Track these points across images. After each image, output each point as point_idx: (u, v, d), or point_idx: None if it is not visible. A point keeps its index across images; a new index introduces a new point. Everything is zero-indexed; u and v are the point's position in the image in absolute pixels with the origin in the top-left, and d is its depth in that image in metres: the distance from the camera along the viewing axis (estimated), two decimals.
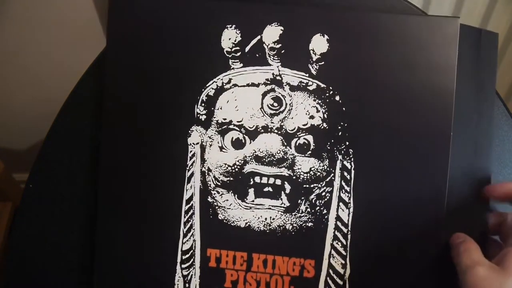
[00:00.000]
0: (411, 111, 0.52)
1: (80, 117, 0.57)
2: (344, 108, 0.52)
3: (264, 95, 0.53)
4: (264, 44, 0.53)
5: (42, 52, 1.00)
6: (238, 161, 0.53)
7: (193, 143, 0.54)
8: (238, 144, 0.53)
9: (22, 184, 0.61)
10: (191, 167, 0.54)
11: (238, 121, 0.53)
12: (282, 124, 0.53)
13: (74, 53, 0.92)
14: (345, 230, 0.52)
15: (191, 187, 0.54)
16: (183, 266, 0.54)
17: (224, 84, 0.53)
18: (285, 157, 0.53)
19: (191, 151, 0.54)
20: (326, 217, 0.53)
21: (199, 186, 0.54)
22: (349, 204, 0.52)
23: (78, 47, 0.94)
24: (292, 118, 0.53)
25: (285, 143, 0.53)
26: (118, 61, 0.55)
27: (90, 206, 0.56)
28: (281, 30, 0.52)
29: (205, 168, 0.54)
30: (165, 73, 0.54)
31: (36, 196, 0.58)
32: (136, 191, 0.54)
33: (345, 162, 0.52)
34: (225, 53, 0.53)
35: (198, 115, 0.54)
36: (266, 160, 0.53)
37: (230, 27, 0.53)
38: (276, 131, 0.53)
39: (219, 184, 0.54)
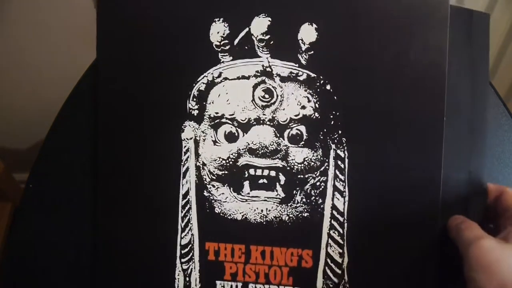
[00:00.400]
0: (404, 96, 0.52)
1: (80, 117, 0.57)
2: (335, 97, 0.52)
3: (255, 87, 0.53)
4: (252, 36, 0.53)
5: (42, 52, 1.01)
6: (232, 154, 0.53)
7: (187, 138, 0.54)
8: (231, 138, 0.53)
9: (22, 184, 0.61)
10: (185, 162, 0.54)
11: (230, 115, 0.53)
12: (274, 115, 0.53)
13: (74, 53, 0.92)
14: (341, 219, 0.52)
15: (186, 182, 0.54)
16: (183, 260, 0.54)
17: (215, 78, 0.53)
18: (279, 148, 0.53)
19: (185, 146, 0.54)
20: (321, 206, 0.53)
21: (195, 181, 0.54)
22: (344, 193, 0.52)
23: (78, 48, 0.91)
24: (284, 109, 0.53)
25: (278, 135, 0.53)
26: (109, 59, 0.55)
27: (90, 206, 0.56)
28: (269, 21, 0.52)
29: (199, 162, 0.54)
30: (155, 70, 0.54)
31: (36, 196, 0.58)
32: (133, 188, 0.55)
33: (338, 151, 0.52)
34: (214, 46, 0.53)
35: (191, 110, 0.54)
36: (260, 152, 0.53)
37: (218, 20, 0.53)
38: (268, 122, 0.53)
39: (214, 178, 0.54)
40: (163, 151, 0.54)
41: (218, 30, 0.53)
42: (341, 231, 0.53)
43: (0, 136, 1.17)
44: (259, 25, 0.52)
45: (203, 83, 0.53)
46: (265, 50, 0.52)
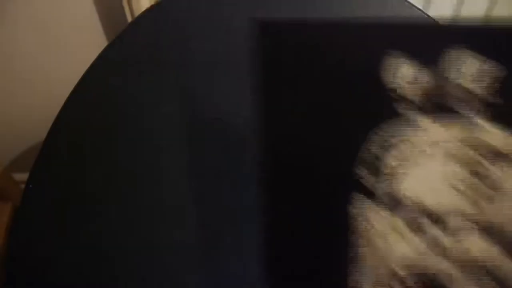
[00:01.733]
0: None
1: (80, 117, 0.57)
2: None
3: (459, 165, 0.36)
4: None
5: (42, 52, 0.99)
6: (419, 254, 0.37)
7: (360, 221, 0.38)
8: (419, 230, 0.37)
9: (22, 184, 0.62)
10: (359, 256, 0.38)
11: (417, 198, 0.37)
12: (487, 213, 0.36)
13: (74, 53, 0.95)
14: None
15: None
16: None
17: (398, 143, 0.38)
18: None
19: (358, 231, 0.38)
20: None
21: None
22: None
23: (78, 47, 0.96)
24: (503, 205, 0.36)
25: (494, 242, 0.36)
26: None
27: (91, 206, 0.55)
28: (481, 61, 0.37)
29: (379, 259, 0.38)
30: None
31: (36, 196, 0.58)
32: None
33: None
34: (396, 96, 0.38)
35: (361, 180, 0.38)
36: (466, 265, 0.36)
37: (404, 60, 0.38)
38: (476, 225, 0.36)
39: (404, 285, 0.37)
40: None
41: (403, 74, 0.37)
42: None
43: (0, 136, 1.16)
44: (468, 67, 0.36)
45: (381, 146, 0.38)
46: (477, 104, 0.36)
